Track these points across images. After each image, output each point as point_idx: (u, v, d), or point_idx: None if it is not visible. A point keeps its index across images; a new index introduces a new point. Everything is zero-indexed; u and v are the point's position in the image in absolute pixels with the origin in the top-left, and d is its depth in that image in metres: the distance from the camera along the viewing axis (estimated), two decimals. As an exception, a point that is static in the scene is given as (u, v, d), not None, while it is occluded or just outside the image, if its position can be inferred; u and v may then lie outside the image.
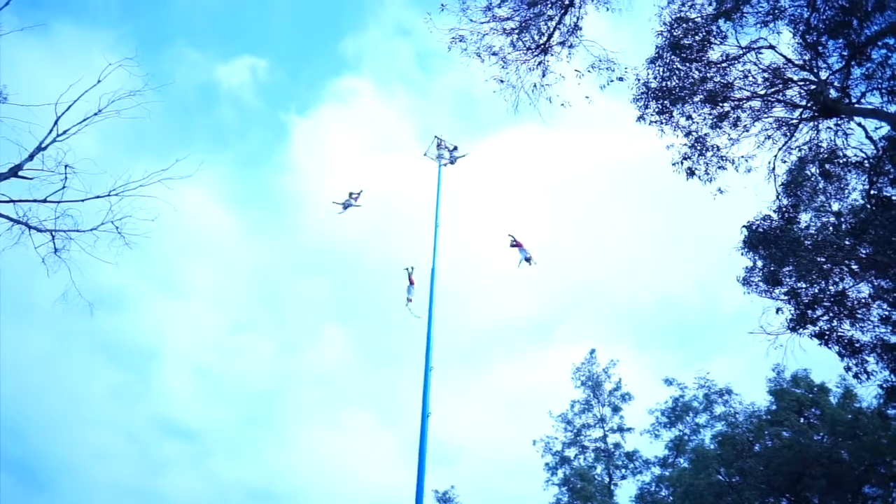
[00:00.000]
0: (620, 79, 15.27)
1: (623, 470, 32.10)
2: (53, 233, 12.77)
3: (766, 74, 14.90)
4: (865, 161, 14.54)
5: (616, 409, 33.57)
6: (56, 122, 12.69)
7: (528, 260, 16.31)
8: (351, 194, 16.66)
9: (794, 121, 15.34)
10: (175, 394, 56.07)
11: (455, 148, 17.24)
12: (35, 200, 12.59)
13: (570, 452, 32.81)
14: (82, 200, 12.87)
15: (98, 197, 12.90)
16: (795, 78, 14.88)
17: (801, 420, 24.79)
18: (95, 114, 13.04)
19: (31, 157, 12.50)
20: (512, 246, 16.54)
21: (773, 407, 25.95)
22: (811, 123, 15.16)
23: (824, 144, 15.20)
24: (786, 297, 16.13)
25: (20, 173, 12.41)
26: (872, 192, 14.48)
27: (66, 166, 12.62)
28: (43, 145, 12.60)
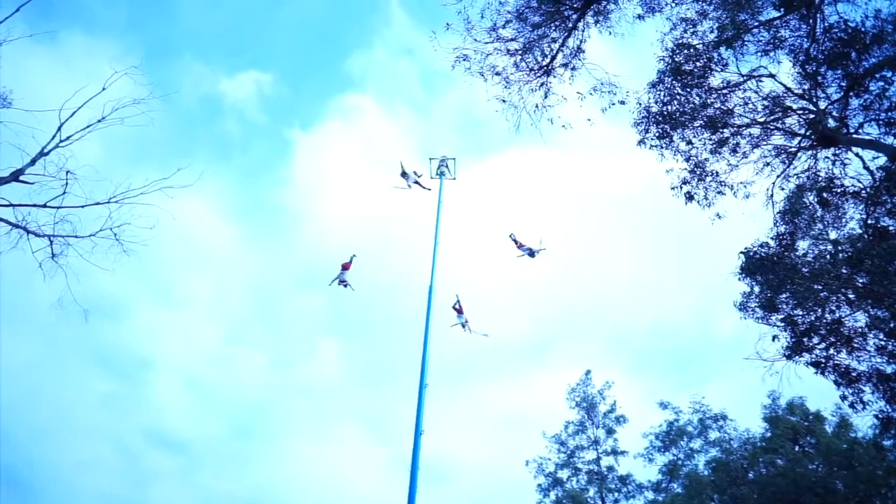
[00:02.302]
0: (622, 102, 15.43)
1: (616, 494, 31.78)
2: (52, 238, 12.79)
3: (765, 102, 15.07)
4: (863, 191, 14.64)
5: (610, 432, 33.34)
6: (59, 128, 12.77)
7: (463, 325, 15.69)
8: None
9: (793, 149, 15.47)
10: (166, 404, 55.53)
11: (444, 161, 17.24)
12: (35, 205, 12.62)
13: (563, 474, 32.53)
14: (82, 206, 12.91)
15: (98, 203, 12.94)
16: (794, 106, 15.04)
17: (796, 448, 24.65)
18: (99, 121, 13.15)
19: (32, 161, 12.55)
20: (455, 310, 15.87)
21: (768, 434, 25.81)
22: (809, 152, 15.29)
23: (822, 173, 15.32)
24: (782, 324, 16.12)
25: (21, 178, 12.45)
26: (869, 221, 14.56)
27: (67, 172, 12.69)
28: (45, 151, 12.66)
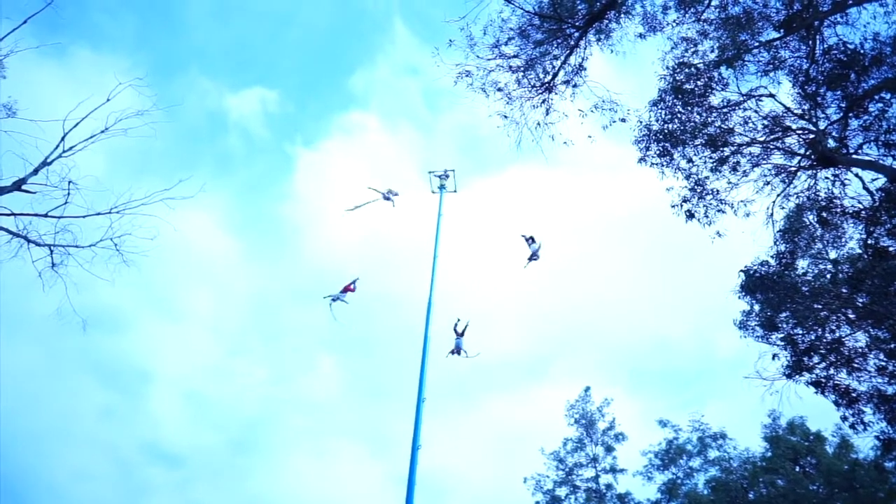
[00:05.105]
0: (623, 120, 15.47)
1: (614, 512, 31.45)
2: (52, 247, 12.80)
3: (765, 122, 15.15)
4: (862, 211, 14.67)
5: (609, 449, 33.04)
6: (63, 139, 12.83)
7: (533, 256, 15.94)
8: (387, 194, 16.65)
9: (793, 168, 15.53)
10: (164, 417, 55.16)
11: (445, 174, 17.19)
12: (36, 214, 12.65)
13: (561, 492, 32.19)
14: (83, 217, 12.94)
15: (99, 214, 12.97)
16: (794, 126, 15.11)
17: (797, 469, 24.44)
18: (102, 131, 13.20)
19: (35, 171, 12.60)
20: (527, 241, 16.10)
21: (768, 454, 25.61)
22: (809, 172, 15.34)
23: (822, 193, 15.36)
24: (782, 343, 16.08)
25: (23, 187, 12.50)
26: (869, 242, 14.57)
27: (69, 182, 12.74)
28: (48, 160, 12.71)
